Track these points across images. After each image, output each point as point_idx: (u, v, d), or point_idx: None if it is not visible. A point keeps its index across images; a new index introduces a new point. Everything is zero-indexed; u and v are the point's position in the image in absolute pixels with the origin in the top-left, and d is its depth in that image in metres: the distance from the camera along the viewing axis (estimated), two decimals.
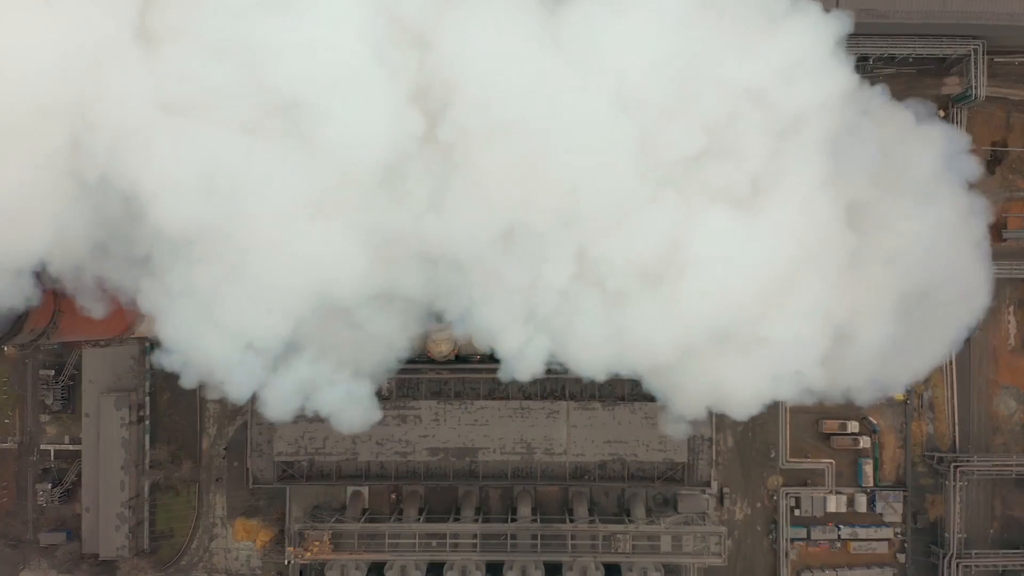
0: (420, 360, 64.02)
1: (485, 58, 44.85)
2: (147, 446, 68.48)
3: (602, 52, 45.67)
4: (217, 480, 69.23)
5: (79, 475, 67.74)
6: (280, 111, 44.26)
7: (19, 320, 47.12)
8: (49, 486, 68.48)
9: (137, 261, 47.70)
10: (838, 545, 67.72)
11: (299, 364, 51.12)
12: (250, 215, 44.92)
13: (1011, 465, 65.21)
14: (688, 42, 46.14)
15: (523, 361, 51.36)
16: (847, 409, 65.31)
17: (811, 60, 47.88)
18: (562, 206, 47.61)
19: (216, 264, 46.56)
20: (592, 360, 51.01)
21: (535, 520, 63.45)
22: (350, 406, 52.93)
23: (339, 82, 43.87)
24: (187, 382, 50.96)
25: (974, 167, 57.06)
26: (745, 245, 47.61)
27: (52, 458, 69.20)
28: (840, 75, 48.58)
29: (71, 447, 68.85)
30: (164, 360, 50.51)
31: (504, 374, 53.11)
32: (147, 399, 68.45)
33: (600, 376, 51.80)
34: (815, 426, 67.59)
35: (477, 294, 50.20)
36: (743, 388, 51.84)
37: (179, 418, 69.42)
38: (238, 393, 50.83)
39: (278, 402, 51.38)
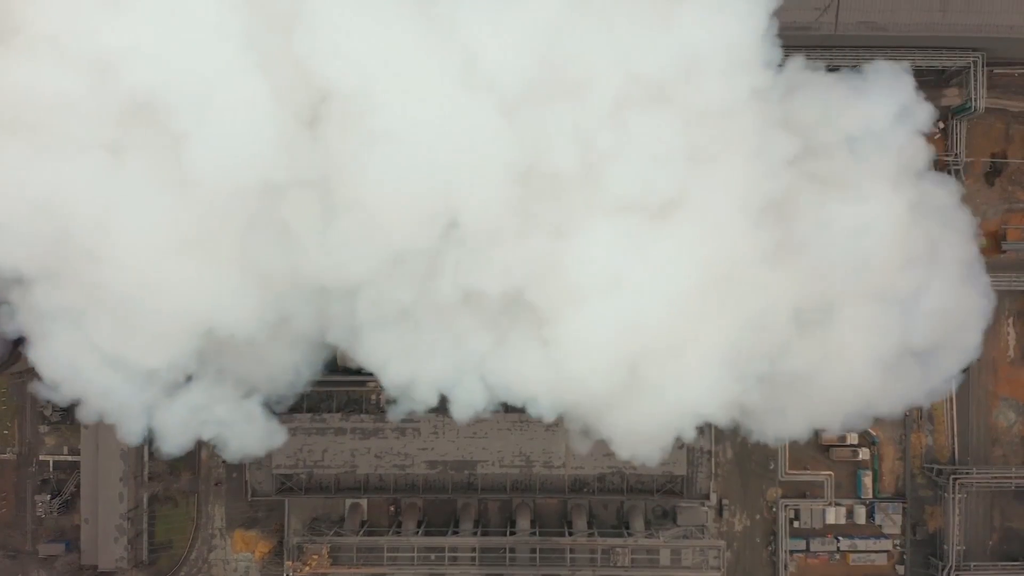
0: None
1: (356, 63, 40.83)
2: (146, 457, 68.24)
3: (480, 53, 42.17)
4: (216, 485, 69.07)
5: (78, 486, 67.60)
6: (140, 127, 39.72)
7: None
8: (48, 497, 68.33)
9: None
10: (837, 557, 67.59)
11: (194, 391, 48.37)
12: (108, 246, 40.67)
13: (1010, 477, 65.03)
14: (580, 35, 42.77)
15: (415, 393, 48.97)
16: None
17: (726, 48, 44.37)
18: (440, 225, 43.96)
19: (83, 288, 42.76)
20: (469, 397, 48.95)
21: (534, 533, 63.42)
22: (249, 430, 51.04)
23: (206, 91, 39.11)
24: (84, 416, 48.17)
25: (928, 115, 53.02)
26: (640, 282, 43.48)
27: (51, 469, 68.99)
28: (757, 64, 44.92)
29: (70, 458, 68.62)
30: (45, 392, 46.87)
31: (396, 412, 51.56)
32: None
33: (479, 408, 49.69)
34: (814, 438, 67.34)
35: (363, 322, 47.33)
36: (636, 438, 49.87)
37: None
38: (131, 429, 48.09)
39: (173, 433, 48.84)
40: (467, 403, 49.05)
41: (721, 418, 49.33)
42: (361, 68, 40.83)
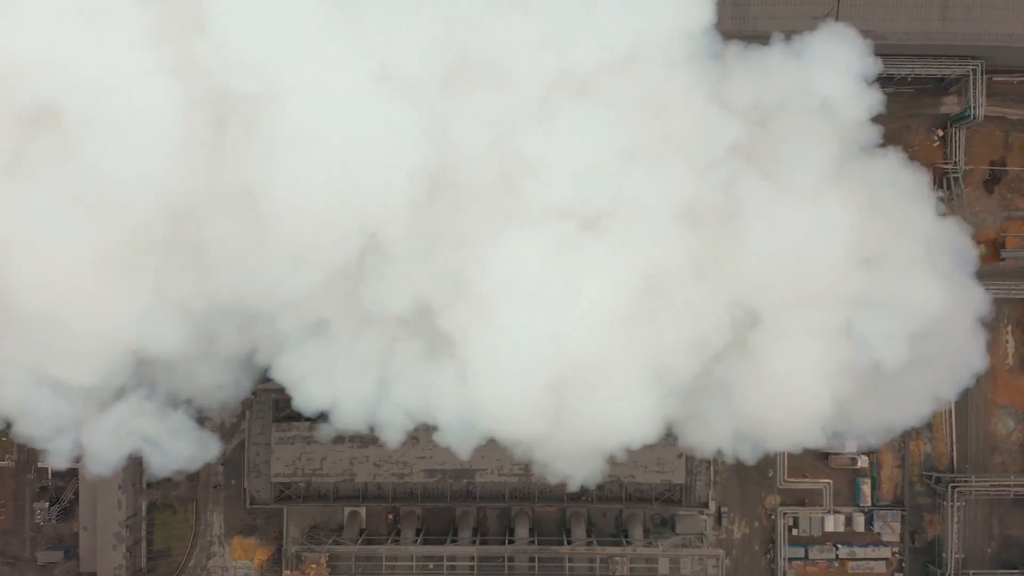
0: None
1: (258, 62, 37.99)
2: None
3: (392, 46, 39.27)
4: (215, 488, 69.04)
5: (77, 493, 67.62)
6: (42, 138, 37.55)
7: None
8: (47, 504, 68.33)
9: None
10: (836, 564, 67.52)
11: (123, 406, 46.84)
12: (13, 265, 38.71)
13: (1009, 485, 65.07)
14: (503, 25, 39.99)
15: (336, 415, 46.96)
16: None
17: (668, 39, 41.25)
18: (362, 237, 41.24)
19: None
20: (394, 419, 47.01)
21: (532, 541, 63.37)
22: (176, 443, 49.72)
23: (108, 98, 36.49)
24: (18, 436, 47.30)
25: (876, 100, 48.60)
26: (566, 300, 40.33)
27: (50, 476, 68.77)
28: (701, 55, 42.37)
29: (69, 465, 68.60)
30: None
31: (324, 433, 50.07)
32: None
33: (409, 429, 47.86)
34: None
35: (282, 339, 45.52)
36: (563, 462, 47.83)
37: None
38: (60, 449, 46.59)
39: (103, 450, 47.37)
40: (394, 425, 47.16)
41: (653, 437, 47.35)
42: (263, 68, 38.30)
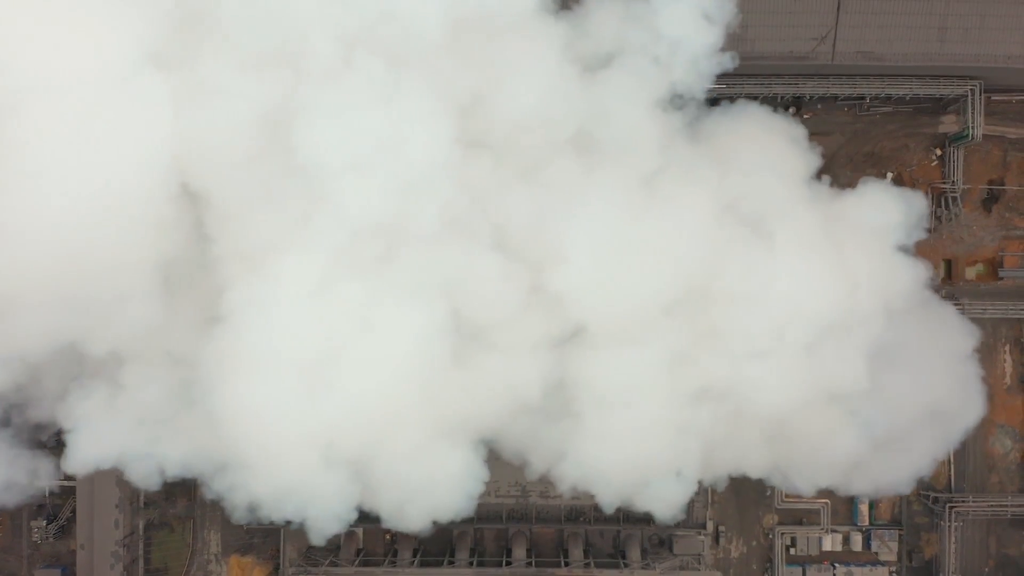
0: None
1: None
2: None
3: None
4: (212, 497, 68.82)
5: (74, 512, 67.54)
6: None
7: None
8: (44, 522, 68.19)
9: None
10: None
11: None
12: None
13: (1006, 505, 65.06)
14: None
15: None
16: None
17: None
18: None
19: None
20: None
21: (530, 562, 63.23)
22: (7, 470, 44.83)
23: None
24: None
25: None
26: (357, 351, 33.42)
27: (47, 494, 68.59)
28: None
29: (66, 483, 68.41)
30: None
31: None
32: None
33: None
34: None
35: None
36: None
37: None
38: None
39: None
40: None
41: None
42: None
